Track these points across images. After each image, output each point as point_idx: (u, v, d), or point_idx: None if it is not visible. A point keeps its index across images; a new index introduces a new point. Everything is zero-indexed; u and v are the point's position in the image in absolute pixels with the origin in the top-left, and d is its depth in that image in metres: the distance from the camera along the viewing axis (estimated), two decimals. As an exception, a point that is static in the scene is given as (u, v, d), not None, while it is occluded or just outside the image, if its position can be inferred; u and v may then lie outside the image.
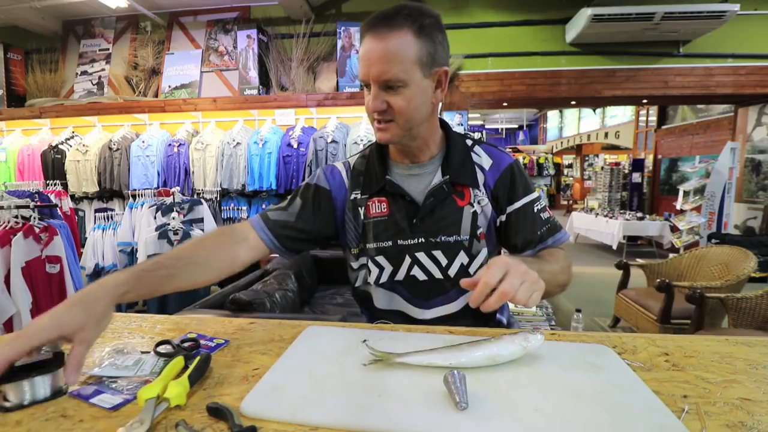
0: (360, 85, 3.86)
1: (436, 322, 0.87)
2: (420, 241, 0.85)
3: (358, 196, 0.89)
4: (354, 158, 0.95)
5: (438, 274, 0.86)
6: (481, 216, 0.86)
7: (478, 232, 0.86)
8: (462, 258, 0.86)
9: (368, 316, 0.95)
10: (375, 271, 0.88)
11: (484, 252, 0.87)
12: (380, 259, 0.88)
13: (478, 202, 0.86)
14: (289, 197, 0.92)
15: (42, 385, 0.53)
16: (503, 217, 0.88)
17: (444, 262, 0.86)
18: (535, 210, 0.86)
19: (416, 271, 0.86)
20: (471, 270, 0.86)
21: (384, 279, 0.88)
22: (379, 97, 0.76)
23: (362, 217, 0.88)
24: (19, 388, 0.51)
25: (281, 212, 0.89)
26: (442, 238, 0.85)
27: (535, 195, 0.88)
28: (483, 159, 0.89)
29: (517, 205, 0.86)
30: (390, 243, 0.86)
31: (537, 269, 0.64)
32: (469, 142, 0.91)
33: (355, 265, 0.92)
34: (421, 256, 0.86)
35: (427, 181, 0.87)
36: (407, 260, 0.86)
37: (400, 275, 0.87)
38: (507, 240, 0.89)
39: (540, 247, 0.87)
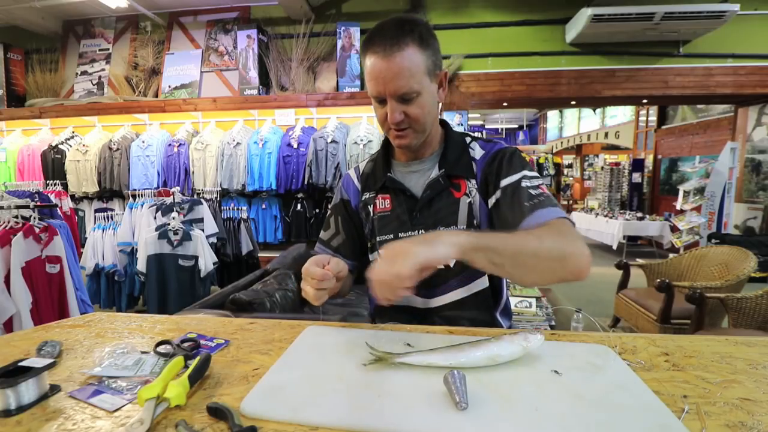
0: (360, 85, 3.88)
1: (441, 310, 0.91)
2: (420, 232, 0.90)
3: (368, 196, 0.97)
4: (363, 163, 1.03)
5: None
6: (475, 206, 0.89)
7: (475, 221, 0.89)
8: None
9: (375, 309, 1.00)
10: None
11: None
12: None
13: (472, 193, 0.90)
14: (325, 222, 1.03)
15: (26, 390, 0.53)
16: (493, 200, 0.86)
17: None
18: (524, 185, 0.81)
19: None
20: None
21: None
22: (397, 109, 0.81)
23: (371, 214, 0.96)
24: (3, 394, 0.51)
25: (330, 232, 1.00)
26: (441, 229, 0.88)
27: (526, 173, 0.83)
28: (477, 152, 0.92)
29: (504, 182, 0.83)
30: (391, 236, 0.92)
31: (454, 238, 0.64)
32: (467, 139, 0.96)
33: (371, 258, 0.99)
34: None
35: (426, 176, 0.93)
36: None
37: None
38: (500, 221, 0.83)
39: (527, 221, 0.76)
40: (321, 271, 0.74)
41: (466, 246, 0.64)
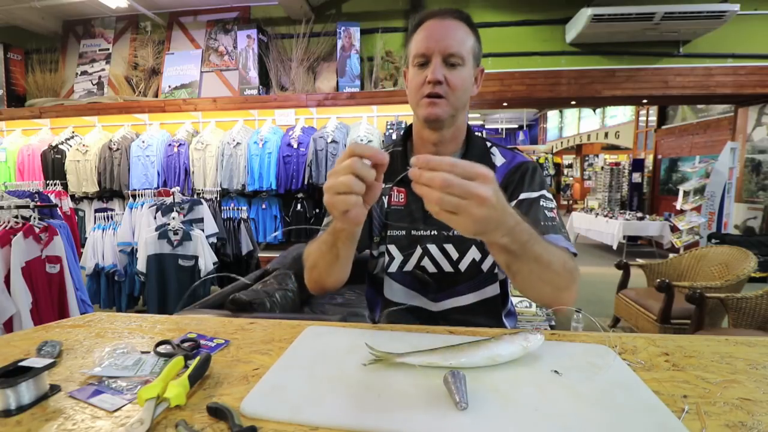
0: (360, 85, 3.88)
1: (449, 313, 0.89)
2: (433, 233, 0.88)
3: (383, 186, 0.92)
4: None
5: (448, 268, 0.87)
6: None
7: None
8: (474, 253, 0.87)
9: (380, 306, 0.97)
10: (386, 259, 0.91)
11: None
12: (392, 247, 0.90)
13: None
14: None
15: (26, 390, 0.52)
16: None
17: (455, 256, 0.87)
18: (542, 204, 0.84)
19: (426, 263, 0.88)
20: (483, 267, 0.87)
21: (393, 269, 0.91)
22: (440, 69, 0.81)
23: (385, 205, 0.92)
24: (3, 394, 0.51)
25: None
26: (455, 232, 0.86)
27: (546, 193, 0.86)
28: (497, 158, 0.93)
29: (523, 196, 0.85)
30: (403, 232, 0.89)
31: (515, 221, 0.59)
32: (488, 144, 0.96)
33: (375, 252, 0.95)
34: (433, 248, 0.88)
35: None
36: (418, 251, 0.88)
37: (410, 266, 0.90)
38: None
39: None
40: (374, 147, 0.61)
41: (510, 246, 0.61)
